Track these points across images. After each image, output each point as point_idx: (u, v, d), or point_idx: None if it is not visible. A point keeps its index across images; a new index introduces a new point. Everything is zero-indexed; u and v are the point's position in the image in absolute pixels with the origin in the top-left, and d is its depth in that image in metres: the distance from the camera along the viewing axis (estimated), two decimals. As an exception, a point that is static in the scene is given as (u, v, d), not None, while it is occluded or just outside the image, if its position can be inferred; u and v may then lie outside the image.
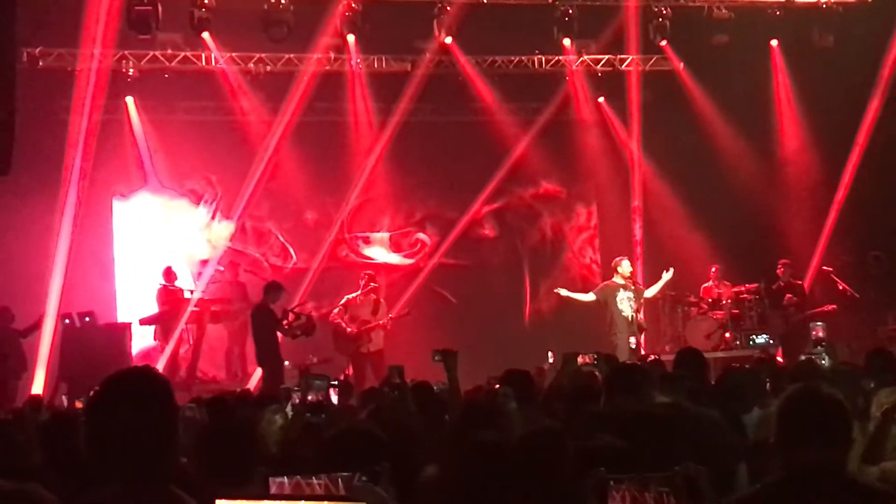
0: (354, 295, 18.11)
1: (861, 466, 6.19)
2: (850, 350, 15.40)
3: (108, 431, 3.64)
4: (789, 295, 18.45)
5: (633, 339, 16.89)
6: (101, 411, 3.70)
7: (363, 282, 18.21)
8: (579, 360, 9.01)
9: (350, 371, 17.22)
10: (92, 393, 3.80)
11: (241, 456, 5.33)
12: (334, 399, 9.09)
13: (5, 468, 5.29)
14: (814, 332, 14.19)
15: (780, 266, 18.89)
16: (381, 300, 18.41)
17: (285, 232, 20.96)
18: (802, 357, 12.63)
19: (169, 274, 18.91)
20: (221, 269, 20.06)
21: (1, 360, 16.40)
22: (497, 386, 8.77)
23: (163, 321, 18.62)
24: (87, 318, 17.89)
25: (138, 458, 3.60)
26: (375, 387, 10.86)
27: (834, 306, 18.45)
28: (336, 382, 9.59)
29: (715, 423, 6.57)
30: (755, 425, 7.42)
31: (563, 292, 17.81)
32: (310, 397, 7.97)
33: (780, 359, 16.49)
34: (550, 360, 14.66)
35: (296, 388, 8.94)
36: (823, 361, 10.70)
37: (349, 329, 17.78)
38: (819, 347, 13.30)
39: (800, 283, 19.01)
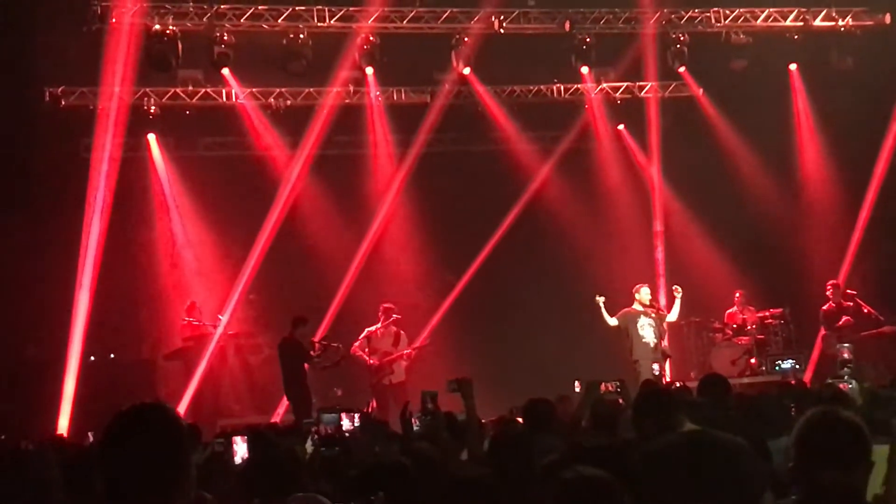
0: (375, 327, 18.08)
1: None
2: (876, 372, 15.29)
3: (119, 467, 3.64)
4: (846, 317, 18.24)
5: (656, 366, 16.80)
6: (110, 447, 3.70)
7: (382, 314, 18.18)
8: (602, 387, 8.96)
9: (374, 404, 17.18)
10: (103, 429, 3.80)
11: (284, 486, 5.32)
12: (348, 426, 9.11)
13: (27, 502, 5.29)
14: (840, 354, 14.08)
15: (828, 287, 18.66)
16: (402, 332, 18.38)
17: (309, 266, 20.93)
18: (829, 380, 12.56)
19: (192, 309, 18.96)
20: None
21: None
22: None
23: (186, 356, 18.64)
24: (112, 356, 18.01)
25: (149, 493, 3.60)
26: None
27: (893, 327, 18.18)
28: (348, 411, 9.59)
29: (741, 451, 6.49)
30: (782, 452, 7.35)
31: (601, 301, 17.45)
32: (322, 430, 7.96)
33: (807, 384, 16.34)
34: (577, 389, 14.58)
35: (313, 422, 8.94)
36: (850, 385, 10.59)
37: (371, 361, 17.75)
38: (846, 369, 13.20)
39: (851, 304, 18.67)
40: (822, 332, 18.64)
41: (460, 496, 5.17)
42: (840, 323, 18.08)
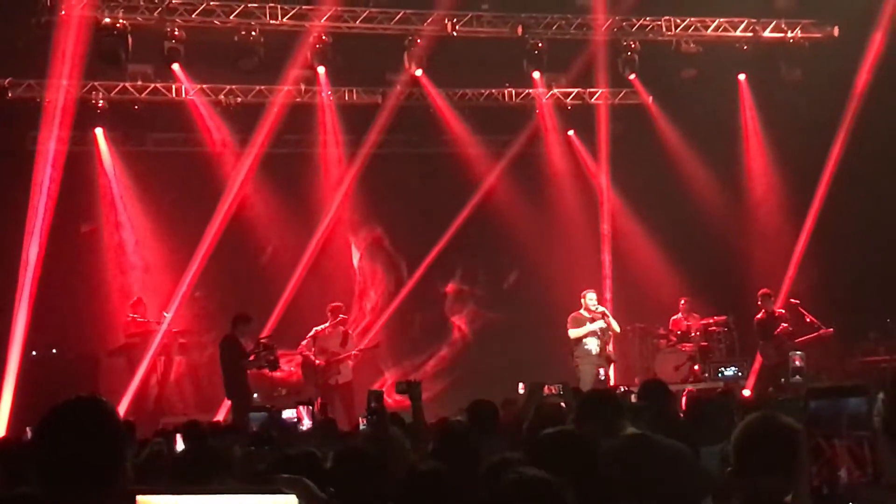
0: (323, 327, 18.04)
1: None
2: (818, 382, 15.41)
3: (52, 459, 3.62)
4: (784, 325, 18.35)
5: (601, 371, 16.93)
6: (45, 439, 3.68)
7: (330, 314, 18.14)
8: (545, 390, 8.99)
9: (319, 402, 17.14)
10: (38, 422, 3.78)
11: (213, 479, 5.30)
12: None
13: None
14: (793, 361, 14.16)
15: (759, 296, 18.69)
16: (350, 332, 18.37)
17: (257, 264, 20.86)
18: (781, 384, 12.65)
19: (138, 305, 18.83)
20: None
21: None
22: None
23: (130, 353, 18.50)
24: (54, 351, 17.82)
25: (82, 486, 3.58)
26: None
27: (831, 329, 18.28)
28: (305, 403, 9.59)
29: (682, 455, 6.55)
30: (722, 458, 7.40)
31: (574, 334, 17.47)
32: (252, 429, 7.96)
33: (746, 392, 16.47)
34: (521, 391, 14.65)
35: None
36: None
37: (318, 361, 17.70)
38: (798, 377, 13.29)
39: (783, 312, 18.73)
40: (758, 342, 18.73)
41: (415, 487, 5.20)
42: (778, 330, 18.21)
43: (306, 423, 9.47)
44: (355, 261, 21.72)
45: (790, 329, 18.16)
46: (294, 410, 9.61)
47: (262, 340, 16.32)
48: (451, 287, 22.10)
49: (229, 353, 15.85)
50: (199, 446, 7.44)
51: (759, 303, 18.47)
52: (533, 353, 19.11)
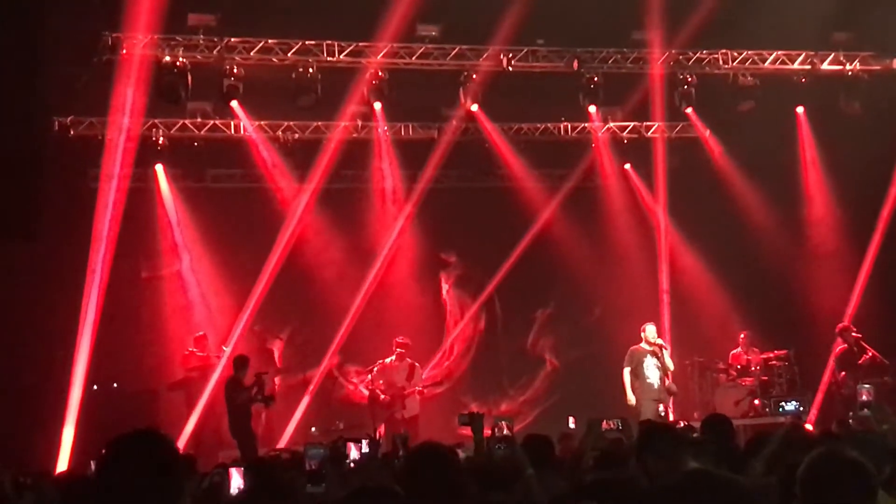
0: (389, 360, 18.10)
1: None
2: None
3: (114, 492, 3.66)
4: (866, 355, 18.15)
5: (661, 406, 16.82)
6: (106, 473, 3.72)
7: (397, 348, 18.21)
8: (604, 425, 8.91)
9: (381, 430, 17.18)
10: (100, 456, 3.83)
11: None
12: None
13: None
14: (860, 395, 13.96)
15: (838, 329, 18.51)
16: (417, 365, 18.40)
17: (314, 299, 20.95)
18: (850, 421, 12.47)
19: (201, 340, 18.97)
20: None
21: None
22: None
23: (189, 387, 18.62)
24: (115, 385, 17.98)
25: None
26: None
27: None
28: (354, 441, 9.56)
29: (745, 491, 6.47)
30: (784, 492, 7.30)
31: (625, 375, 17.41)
32: (307, 466, 7.91)
33: (809, 426, 16.26)
34: (571, 426, 14.57)
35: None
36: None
37: (383, 396, 17.75)
38: (865, 410, 13.08)
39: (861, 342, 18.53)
40: (833, 374, 18.48)
41: None
42: (861, 361, 18.03)
43: (353, 455, 9.43)
44: (444, 293, 21.72)
45: (868, 358, 17.98)
46: (363, 443, 9.58)
47: (259, 373, 16.51)
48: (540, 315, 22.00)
49: (230, 392, 16.19)
50: (264, 482, 7.43)
51: (841, 335, 18.33)
52: (591, 387, 19.03)
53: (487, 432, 8.74)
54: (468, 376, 21.19)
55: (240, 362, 16.72)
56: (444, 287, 21.64)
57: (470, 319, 21.61)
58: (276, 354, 20.16)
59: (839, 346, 18.40)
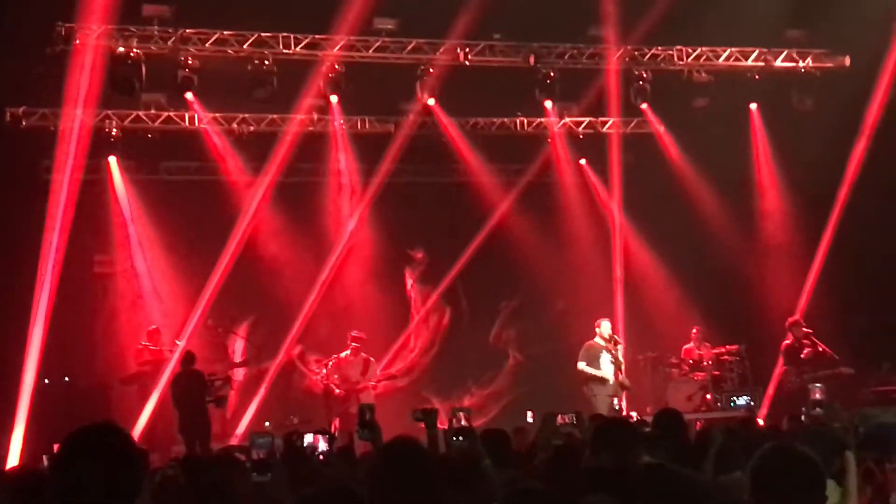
0: (344, 355, 18.09)
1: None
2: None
3: (71, 487, 3.62)
4: (808, 349, 18.32)
5: (615, 400, 16.92)
6: (63, 467, 3.68)
7: (352, 342, 18.21)
8: (558, 419, 8.94)
9: (336, 423, 17.18)
10: (55, 449, 3.79)
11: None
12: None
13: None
14: (812, 394, 14.08)
15: (789, 325, 18.68)
16: (371, 360, 18.38)
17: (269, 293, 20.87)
18: (803, 418, 12.58)
19: (154, 334, 18.83)
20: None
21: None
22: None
23: (142, 380, 18.49)
24: (67, 379, 17.81)
25: None
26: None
27: (851, 370, 18.26)
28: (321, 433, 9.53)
29: (697, 485, 6.52)
30: (737, 487, 7.36)
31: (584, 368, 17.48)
32: (254, 455, 7.87)
33: (760, 421, 16.40)
34: (530, 420, 14.65)
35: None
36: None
37: (338, 391, 17.74)
38: (818, 409, 13.19)
39: (808, 342, 18.70)
40: (782, 367, 18.68)
41: None
42: (803, 355, 18.20)
43: (322, 447, 9.41)
44: (408, 288, 21.70)
45: (812, 352, 18.14)
46: (319, 436, 9.54)
47: (211, 376, 16.81)
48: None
49: (195, 386, 16.66)
50: (198, 481, 7.39)
51: (789, 330, 18.49)
52: (544, 382, 19.11)
53: (445, 425, 8.73)
54: (430, 371, 21.18)
55: (189, 358, 16.76)
56: (409, 282, 21.62)
57: (432, 314, 21.59)
58: (239, 349, 20.12)
59: (786, 341, 18.56)
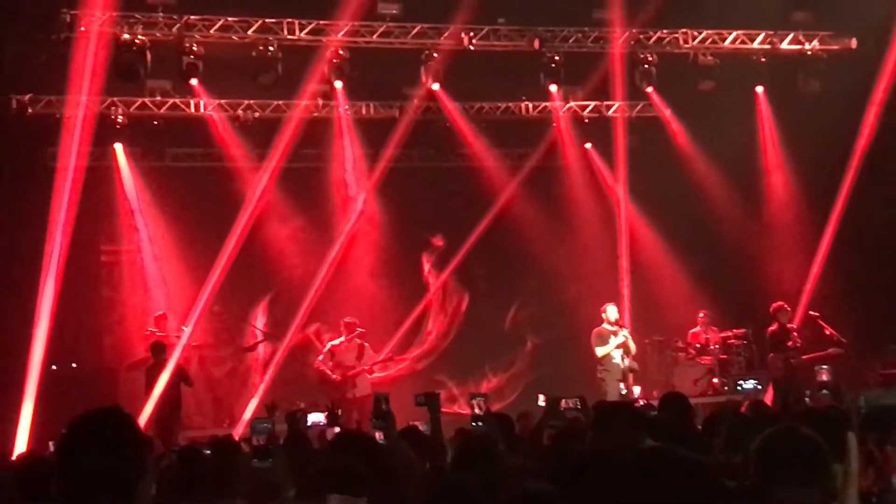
0: (339, 341, 18.11)
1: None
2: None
3: (76, 473, 3.63)
4: (795, 339, 18.30)
5: (622, 385, 16.93)
6: (68, 453, 3.69)
7: (345, 328, 18.22)
8: (563, 404, 8.94)
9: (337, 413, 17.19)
10: (61, 435, 3.80)
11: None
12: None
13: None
14: (819, 376, 14.06)
15: (774, 310, 18.60)
16: (366, 345, 18.39)
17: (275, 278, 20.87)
18: (807, 400, 12.57)
19: (161, 320, 18.87)
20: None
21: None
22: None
23: (149, 366, 18.51)
24: (74, 365, 17.85)
25: (106, 500, 3.59)
26: None
27: (840, 350, 18.24)
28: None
29: (699, 466, 6.50)
30: (744, 468, 7.34)
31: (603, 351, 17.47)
32: (254, 442, 7.89)
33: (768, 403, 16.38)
34: (541, 403, 14.62)
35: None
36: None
37: (334, 376, 17.77)
38: (824, 391, 13.18)
39: (792, 327, 18.70)
40: (769, 355, 18.63)
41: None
42: (788, 343, 18.18)
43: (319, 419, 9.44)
44: (425, 273, 21.64)
45: (799, 344, 18.11)
46: (321, 415, 9.54)
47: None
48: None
49: (175, 377, 17.18)
50: (195, 468, 7.40)
51: (774, 316, 18.40)
52: (553, 367, 19.12)
53: (464, 410, 8.85)
54: (446, 355, 21.09)
55: (159, 348, 17.22)
56: (426, 267, 21.53)
57: (449, 298, 21.52)
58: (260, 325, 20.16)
59: (771, 328, 18.44)
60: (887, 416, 5.48)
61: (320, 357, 18.13)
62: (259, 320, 20.31)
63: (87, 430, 3.71)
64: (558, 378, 17.32)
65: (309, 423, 9.40)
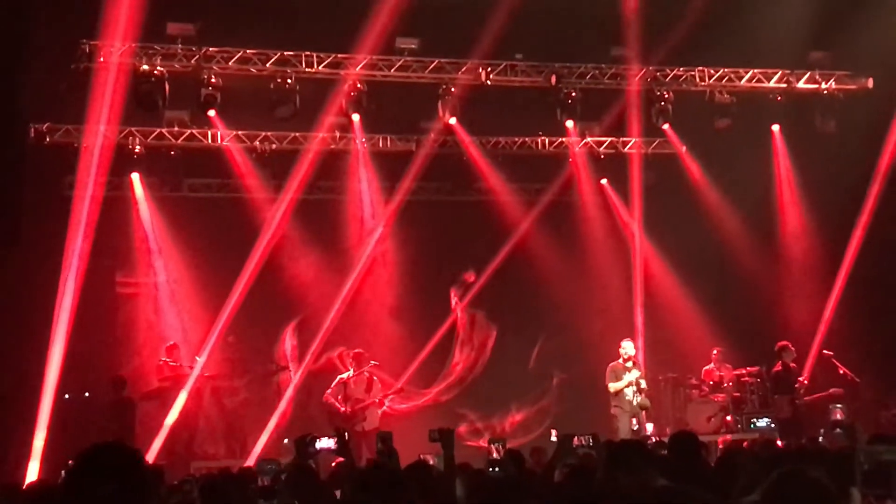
0: (348, 374, 18.10)
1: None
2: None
3: (82, 501, 3.66)
4: (801, 379, 18.25)
5: (634, 420, 16.90)
6: (73, 485, 3.73)
7: (354, 361, 18.21)
8: (575, 441, 8.92)
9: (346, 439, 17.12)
10: (67, 467, 3.84)
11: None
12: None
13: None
14: (833, 414, 14.02)
15: (778, 350, 18.60)
16: (375, 378, 18.36)
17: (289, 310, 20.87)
18: (820, 439, 12.52)
19: (172, 350, 18.92)
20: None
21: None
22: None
23: (162, 396, 18.56)
24: (87, 394, 17.87)
25: None
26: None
27: (840, 390, 18.25)
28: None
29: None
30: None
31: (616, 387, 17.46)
32: (259, 482, 7.92)
33: (779, 443, 16.33)
34: (554, 439, 14.59)
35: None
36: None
37: (343, 409, 17.74)
38: (838, 430, 13.14)
39: (794, 366, 18.72)
40: (772, 397, 18.59)
41: None
42: (796, 385, 18.15)
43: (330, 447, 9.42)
44: (453, 306, 21.58)
45: (806, 384, 18.06)
46: (331, 441, 9.49)
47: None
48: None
49: (130, 414, 17.40)
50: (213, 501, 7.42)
51: (778, 355, 18.39)
52: (566, 403, 19.07)
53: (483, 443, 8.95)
54: (468, 389, 20.99)
55: (119, 383, 17.44)
56: (454, 300, 21.43)
57: (476, 333, 21.38)
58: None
59: (776, 368, 18.41)
60: (889, 473, 5.46)
61: (329, 390, 18.11)
62: (288, 342, 20.28)
63: (92, 463, 3.76)
64: (577, 413, 17.31)
65: (318, 448, 9.36)
